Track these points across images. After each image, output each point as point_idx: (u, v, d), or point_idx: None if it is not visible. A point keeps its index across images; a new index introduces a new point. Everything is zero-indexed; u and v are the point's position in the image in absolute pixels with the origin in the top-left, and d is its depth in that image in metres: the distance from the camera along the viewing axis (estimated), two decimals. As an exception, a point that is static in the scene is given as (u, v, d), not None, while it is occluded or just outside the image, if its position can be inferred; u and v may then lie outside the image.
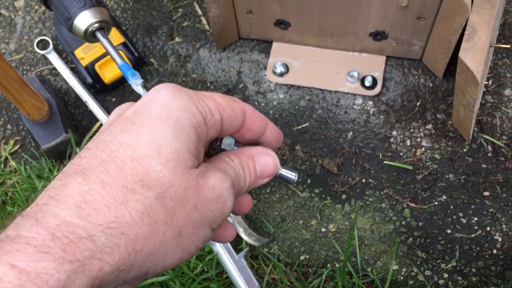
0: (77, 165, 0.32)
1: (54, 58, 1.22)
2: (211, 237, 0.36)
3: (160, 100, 0.34)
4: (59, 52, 1.23)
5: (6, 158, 1.14)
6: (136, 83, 0.78)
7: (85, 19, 0.79)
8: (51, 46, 1.22)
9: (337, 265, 0.99)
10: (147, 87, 1.19)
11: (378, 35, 1.08)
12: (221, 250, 0.93)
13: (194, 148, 0.34)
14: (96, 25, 0.79)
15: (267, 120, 0.42)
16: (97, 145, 0.33)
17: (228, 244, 0.94)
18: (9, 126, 1.19)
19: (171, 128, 0.33)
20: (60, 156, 1.10)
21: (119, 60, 0.78)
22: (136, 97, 1.18)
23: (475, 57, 0.88)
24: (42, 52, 1.22)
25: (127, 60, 1.14)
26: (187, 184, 0.33)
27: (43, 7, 1.28)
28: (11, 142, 1.16)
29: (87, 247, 0.28)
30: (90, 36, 0.79)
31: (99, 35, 0.79)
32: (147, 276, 0.33)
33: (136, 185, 0.31)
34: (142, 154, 0.32)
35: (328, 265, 1.00)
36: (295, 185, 0.45)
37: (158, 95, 0.35)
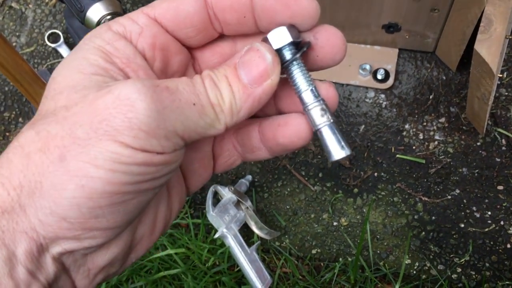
0: None
1: (65, 51, 1.22)
2: (129, 155, 0.27)
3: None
4: (70, 45, 1.23)
5: (18, 151, 1.14)
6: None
7: (97, 11, 0.79)
8: (61, 39, 1.22)
9: (349, 259, 0.99)
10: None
11: (391, 27, 1.07)
12: (233, 243, 0.93)
13: (94, 67, 0.29)
14: (109, 17, 0.79)
15: None
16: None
17: (240, 237, 0.94)
18: (20, 119, 1.19)
19: (67, 60, 0.30)
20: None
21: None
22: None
23: (491, 49, 0.87)
24: (53, 45, 1.22)
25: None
26: (68, 102, 0.28)
27: (54, 0, 1.28)
28: (23, 135, 1.16)
29: None
30: (102, 28, 0.79)
31: (111, 27, 0.79)
32: (55, 215, 0.27)
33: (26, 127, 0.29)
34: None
35: (340, 259, 0.99)
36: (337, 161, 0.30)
37: None
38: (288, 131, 0.32)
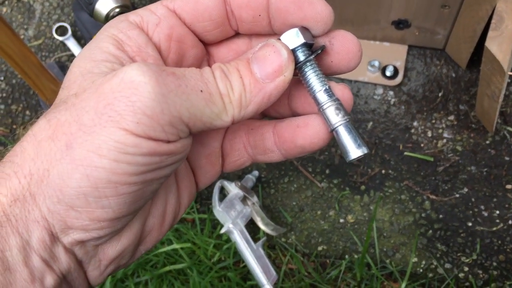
0: None
1: (72, 45, 1.22)
2: (133, 144, 0.26)
3: None
4: (78, 39, 1.23)
5: (25, 144, 1.14)
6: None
7: (106, 4, 0.78)
8: (69, 32, 1.22)
9: (355, 256, 0.98)
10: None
11: (401, 24, 1.06)
12: (239, 239, 0.93)
13: (105, 54, 0.29)
14: (117, 9, 0.79)
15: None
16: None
17: (246, 233, 0.94)
18: (27, 112, 1.19)
19: (82, 50, 0.31)
20: (78, 142, 1.10)
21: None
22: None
23: (502, 46, 0.86)
24: (60, 38, 1.22)
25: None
26: (78, 89, 0.28)
27: (62, -7, 1.28)
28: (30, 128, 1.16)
29: None
30: (111, 21, 0.78)
31: (120, 20, 0.78)
32: (62, 203, 0.27)
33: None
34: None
35: (347, 256, 0.99)
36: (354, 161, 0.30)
37: None
38: (308, 132, 0.32)
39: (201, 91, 0.28)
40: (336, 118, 0.31)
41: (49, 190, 0.27)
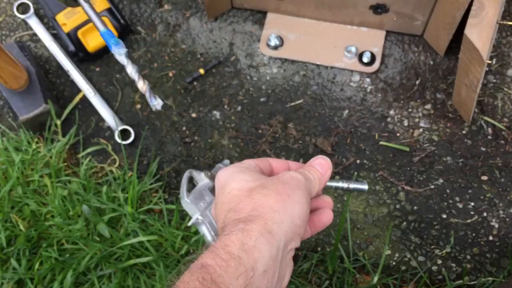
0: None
1: (34, 23, 1.15)
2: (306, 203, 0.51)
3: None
4: (40, 17, 1.16)
5: (-17, 129, 1.08)
6: (119, 52, 0.72)
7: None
8: (31, 10, 1.15)
9: (328, 249, 0.96)
10: (133, 58, 1.13)
11: (379, 8, 1.02)
12: (207, 232, 0.89)
13: (253, 175, 0.53)
14: (82, -12, 0.73)
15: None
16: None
17: (216, 225, 0.90)
18: (-14, 94, 1.12)
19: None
20: (40, 127, 1.05)
21: (101, 27, 0.72)
22: (122, 67, 1.11)
23: (482, 34, 0.83)
24: (22, 16, 1.15)
25: (112, 28, 1.08)
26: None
27: (24, -32, 1.20)
28: (-12, 111, 1.10)
29: None
30: (70, 0, 0.72)
31: (80, -1, 0.72)
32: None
33: None
34: None
35: (319, 248, 0.96)
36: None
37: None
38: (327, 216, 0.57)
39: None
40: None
41: None
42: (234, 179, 0.51)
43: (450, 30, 0.97)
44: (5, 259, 0.93)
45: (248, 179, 0.51)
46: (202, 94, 1.08)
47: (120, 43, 0.73)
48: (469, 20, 0.84)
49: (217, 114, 1.07)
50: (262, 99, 1.07)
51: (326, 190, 0.99)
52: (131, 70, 0.73)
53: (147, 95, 0.72)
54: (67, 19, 1.08)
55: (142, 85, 0.73)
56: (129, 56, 0.71)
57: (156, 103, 0.72)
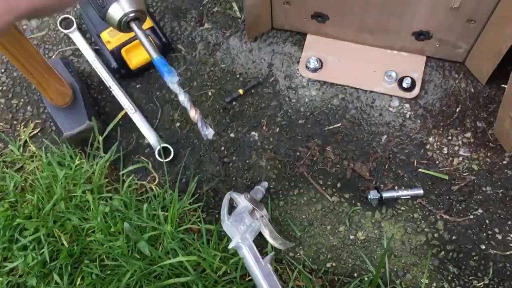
0: None
1: (77, 38, 1.17)
2: None
3: None
4: (83, 32, 1.18)
5: (26, 142, 1.10)
6: (172, 80, 0.73)
7: (120, 8, 0.74)
8: (75, 25, 1.17)
9: (364, 275, 0.96)
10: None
11: (422, 35, 1.02)
12: (248, 255, 0.90)
13: None
14: (132, 15, 0.74)
15: None
16: None
17: (255, 249, 0.91)
18: (29, 107, 1.14)
19: None
20: (82, 143, 1.06)
21: (154, 55, 0.73)
22: (162, 84, 1.13)
23: (531, 69, 0.83)
24: (65, 31, 1.17)
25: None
26: None
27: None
28: (31, 125, 1.12)
29: None
30: (124, 27, 0.74)
31: (134, 26, 0.73)
32: None
33: None
34: None
35: (355, 274, 0.96)
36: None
37: None
38: None
39: None
40: None
41: None
42: None
43: (494, 60, 0.97)
44: (47, 273, 0.95)
45: None
46: (241, 114, 1.09)
47: (173, 72, 0.74)
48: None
49: (255, 135, 1.08)
50: (300, 121, 1.07)
51: (386, 200, 0.98)
52: (183, 99, 0.74)
53: (199, 124, 0.73)
54: (111, 37, 1.10)
55: (194, 114, 0.74)
56: (180, 84, 0.73)
57: (208, 133, 0.73)
